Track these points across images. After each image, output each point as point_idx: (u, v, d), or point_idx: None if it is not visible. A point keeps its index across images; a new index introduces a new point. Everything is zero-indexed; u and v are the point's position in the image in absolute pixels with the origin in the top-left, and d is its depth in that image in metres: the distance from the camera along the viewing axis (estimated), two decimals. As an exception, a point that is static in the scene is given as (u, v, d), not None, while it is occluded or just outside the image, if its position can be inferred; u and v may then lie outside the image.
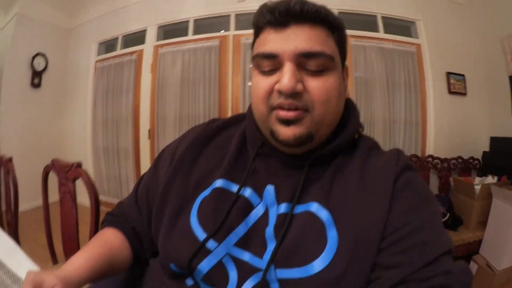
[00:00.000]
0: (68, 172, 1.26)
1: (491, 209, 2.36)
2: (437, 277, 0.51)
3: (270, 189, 0.67)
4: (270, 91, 0.62)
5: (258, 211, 0.66)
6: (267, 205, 0.66)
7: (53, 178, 1.50)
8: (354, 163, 0.65)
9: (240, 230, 0.64)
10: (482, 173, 3.03)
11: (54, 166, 1.34)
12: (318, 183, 0.64)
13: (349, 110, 0.72)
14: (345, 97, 0.69)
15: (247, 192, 0.67)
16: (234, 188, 0.68)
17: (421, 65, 3.32)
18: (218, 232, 0.63)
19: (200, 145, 0.76)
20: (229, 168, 0.71)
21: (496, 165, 2.94)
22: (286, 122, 0.61)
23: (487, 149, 3.25)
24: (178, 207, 0.69)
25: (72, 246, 1.28)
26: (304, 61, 0.60)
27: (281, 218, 0.62)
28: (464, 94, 3.36)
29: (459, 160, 3.20)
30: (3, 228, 1.67)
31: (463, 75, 3.36)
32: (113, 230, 0.82)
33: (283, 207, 0.63)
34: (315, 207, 0.61)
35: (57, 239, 1.53)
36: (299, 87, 0.59)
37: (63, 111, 4.59)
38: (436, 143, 3.26)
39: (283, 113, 0.60)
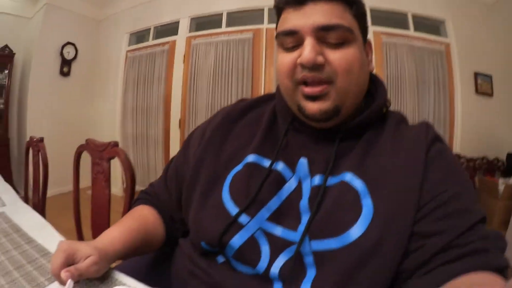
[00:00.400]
0: (103, 152, 1.26)
1: (515, 210, 2.32)
2: (476, 242, 0.52)
3: (303, 162, 0.68)
4: (294, 66, 0.63)
5: (291, 185, 0.66)
6: (300, 178, 0.66)
7: (82, 165, 1.51)
8: (385, 135, 0.66)
9: (273, 204, 0.65)
10: (506, 174, 2.99)
11: (88, 145, 1.34)
12: (350, 155, 0.65)
13: (376, 85, 0.73)
14: (368, 71, 0.70)
15: (280, 166, 0.68)
16: (266, 163, 0.69)
17: (449, 64, 3.31)
18: (250, 206, 0.64)
19: (230, 123, 0.77)
20: (260, 144, 0.72)
21: (521, 167, 2.87)
22: (312, 98, 0.63)
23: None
24: (210, 183, 0.70)
25: (102, 229, 1.26)
26: (323, 34, 0.61)
27: (315, 190, 0.63)
28: (490, 95, 3.34)
29: (484, 160, 3.18)
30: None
31: (490, 76, 3.33)
32: (147, 207, 0.84)
33: (317, 179, 0.64)
34: (349, 177, 0.62)
35: (84, 225, 1.53)
36: (320, 59, 0.60)
37: (92, 99, 4.66)
38: (463, 142, 3.24)
39: (308, 90, 0.62)
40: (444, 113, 3.28)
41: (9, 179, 2.95)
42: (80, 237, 1.53)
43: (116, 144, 1.25)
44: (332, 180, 0.64)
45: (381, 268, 0.55)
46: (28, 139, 1.96)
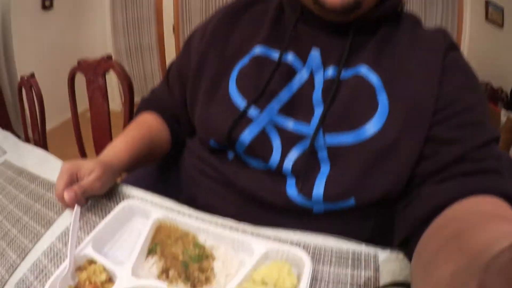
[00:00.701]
0: (97, 68, 1.21)
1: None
2: (490, 160, 0.50)
3: (315, 53, 0.63)
4: None
5: (302, 76, 0.62)
6: (312, 69, 0.62)
7: (78, 90, 1.47)
8: (400, 33, 0.62)
9: (284, 96, 0.62)
10: (509, 107, 2.92)
11: (81, 65, 1.29)
12: (366, 47, 0.61)
13: None
14: None
15: (289, 57, 0.64)
16: (275, 55, 0.64)
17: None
18: (259, 98, 0.61)
19: (233, 17, 0.71)
20: (268, 35, 0.67)
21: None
22: None
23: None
24: (215, 78, 0.67)
25: (105, 146, 1.25)
26: None
27: (328, 82, 0.60)
28: (501, 26, 3.17)
29: (489, 86, 3.09)
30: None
31: (502, 8, 3.14)
32: (150, 113, 0.81)
33: (330, 71, 0.61)
34: (364, 70, 0.59)
35: (88, 148, 1.52)
36: None
37: (80, 25, 4.34)
38: (468, 65, 3.10)
39: None
40: (451, 32, 3.13)
41: (8, 127, 2.88)
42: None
43: (109, 57, 1.18)
44: (346, 73, 0.60)
45: (396, 169, 0.54)
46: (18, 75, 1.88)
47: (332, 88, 0.58)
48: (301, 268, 0.48)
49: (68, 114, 1.53)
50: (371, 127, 0.55)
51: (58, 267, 0.52)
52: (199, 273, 0.50)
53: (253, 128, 0.61)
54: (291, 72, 0.63)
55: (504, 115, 2.49)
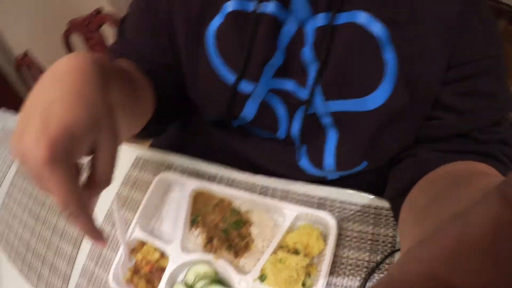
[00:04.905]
0: (90, 24, 1.17)
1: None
2: (495, 145, 0.46)
3: None
4: None
5: (290, 28, 0.50)
6: (300, 19, 0.50)
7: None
8: None
9: (276, 59, 0.51)
10: None
11: (72, 26, 1.24)
12: None
13: None
14: None
15: (270, 7, 0.49)
16: (253, 7, 0.51)
17: None
18: (249, 68, 0.51)
19: None
20: None
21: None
22: None
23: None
24: (188, 46, 0.55)
25: None
26: None
27: (320, 32, 0.47)
28: None
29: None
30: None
31: None
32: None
33: (320, 20, 0.48)
34: (364, 18, 0.45)
35: None
36: None
37: None
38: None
39: None
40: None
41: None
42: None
43: (98, 11, 1.13)
44: (341, 18, 0.47)
45: (407, 130, 0.50)
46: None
47: (323, 42, 0.47)
48: (328, 229, 0.54)
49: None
50: (379, 97, 0.47)
51: (111, 248, 0.59)
52: (239, 240, 0.56)
53: (253, 103, 0.55)
54: (276, 25, 0.50)
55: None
